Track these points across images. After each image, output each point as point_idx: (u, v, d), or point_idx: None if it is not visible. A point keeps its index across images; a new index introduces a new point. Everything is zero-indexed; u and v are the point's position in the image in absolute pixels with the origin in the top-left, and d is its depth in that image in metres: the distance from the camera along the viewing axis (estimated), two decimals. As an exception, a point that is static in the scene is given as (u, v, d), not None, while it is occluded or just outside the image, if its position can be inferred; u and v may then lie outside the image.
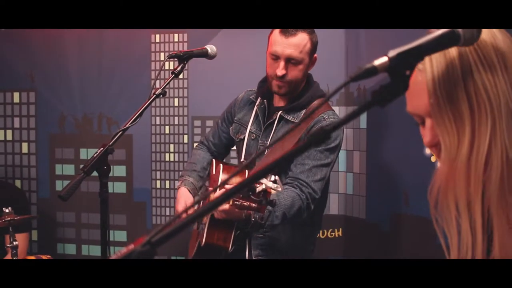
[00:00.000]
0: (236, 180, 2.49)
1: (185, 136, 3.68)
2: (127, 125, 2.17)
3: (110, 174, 3.70)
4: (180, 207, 2.61)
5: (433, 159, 2.87)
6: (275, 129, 2.55)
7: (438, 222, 1.14)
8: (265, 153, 2.55)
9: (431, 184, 1.17)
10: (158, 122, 3.70)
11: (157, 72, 3.65)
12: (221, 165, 2.58)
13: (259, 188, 1.99)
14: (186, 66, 3.54)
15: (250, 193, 1.99)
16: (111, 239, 3.80)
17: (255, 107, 2.66)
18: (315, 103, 2.55)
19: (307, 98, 2.55)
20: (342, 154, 3.40)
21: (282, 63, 2.45)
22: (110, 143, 2.10)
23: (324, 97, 2.64)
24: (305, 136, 2.47)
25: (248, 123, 2.66)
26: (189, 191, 2.68)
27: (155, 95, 2.27)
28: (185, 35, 3.65)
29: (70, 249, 3.93)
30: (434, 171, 1.16)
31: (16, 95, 3.96)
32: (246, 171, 2.53)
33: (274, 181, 2.01)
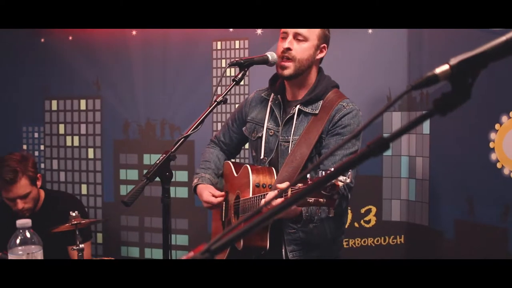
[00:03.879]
0: (265, 179, 2.51)
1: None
2: (189, 132, 2.19)
3: (173, 180, 3.81)
4: (206, 196, 2.62)
5: (499, 165, 2.79)
6: (295, 123, 2.54)
7: None
8: (289, 149, 2.52)
9: None
10: (219, 128, 3.74)
11: (218, 79, 3.69)
12: (248, 166, 2.56)
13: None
14: (247, 73, 3.62)
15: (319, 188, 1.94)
16: (173, 243, 3.87)
17: (269, 103, 2.66)
18: (331, 93, 2.56)
19: (322, 89, 2.56)
20: (404, 160, 3.35)
21: (289, 37, 2.50)
22: (172, 150, 2.13)
23: (337, 87, 2.63)
24: (328, 126, 2.48)
25: (263, 120, 2.66)
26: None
27: (216, 102, 2.29)
28: (246, 41, 3.68)
29: (133, 252, 4.02)
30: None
31: (82, 102, 4.09)
32: (273, 168, 2.55)
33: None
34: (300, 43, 2.50)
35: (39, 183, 3.39)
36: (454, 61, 0.96)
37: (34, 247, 1.74)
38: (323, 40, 2.55)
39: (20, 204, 3.25)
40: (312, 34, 2.51)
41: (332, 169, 1.02)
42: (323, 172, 1.93)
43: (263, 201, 2.32)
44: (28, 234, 1.67)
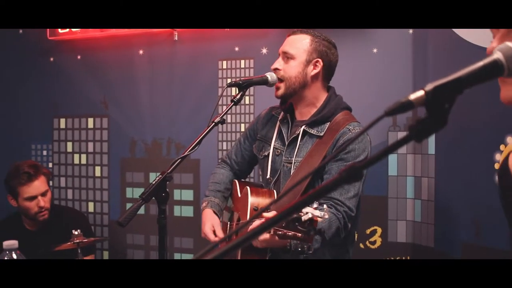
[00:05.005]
0: (264, 202, 2.45)
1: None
2: (186, 153, 2.19)
3: (178, 198, 3.81)
4: (207, 229, 2.54)
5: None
6: (299, 144, 2.49)
7: None
8: (291, 171, 2.47)
9: None
10: (224, 147, 3.74)
11: (223, 98, 3.69)
12: (248, 187, 2.51)
13: (305, 217, 1.90)
14: (252, 92, 3.62)
15: (296, 223, 1.90)
16: (178, 262, 3.86)
17: (278, 122, 2.62)
18: (340, 115, 2.50)
19: (330, 110, 2.49)
20: (410, 181, 3.32)
21: (279, 58, 2.53)
22: (169, 171, 2.13)
23: (348, 109, 2.56)
24: (332, 150, 2.41)
25: (271, 139, 2.61)
26: (215, 212, 2.63)
27: (213, 123, 2.29)
28: (252, 61, 3.68)
29: (139, 271, 4.01)
30: None
31: (90, 121, 4.12)
32: (275, 191, 2.51)
33: (319, 209, 1.93)
34: (288, 62, 2.49)
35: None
36: (429, 87, 0.95)
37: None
38: (315, 55, 2.49)
39: (42, 201, 3.30)
40: (300, 50, 2.48)
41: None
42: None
43: (249, 228, 2.28)
44: (14, 256, 1.67)
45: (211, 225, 2.55)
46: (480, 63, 0.96)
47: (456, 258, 2.97)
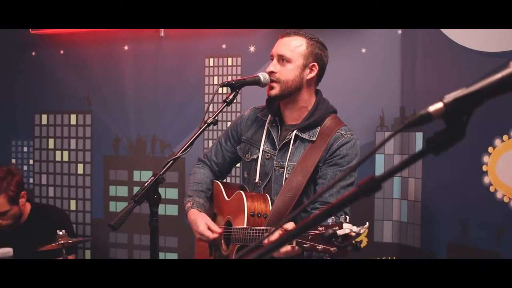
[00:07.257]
0: (260, 207, 2.43)
1: (237, 160, 3.68)
2: (178, 155, 2.16)
3: (163, 197, 3.78)
4: (202, 228, 2.48)
5: (491, 189, 2.77)
6: (291, 149, 2.48)
7: None
8: (284, 176, 2.46)
9: None
10: (210, 146, 3.70)
11: (210, 96, 3.66)
12: (242, 192, 2.48)
13: (341, 232, 1.84)
14: (240, 90, 3.59)
15: (333, 239, 1.84)
16: (162, 261, 3.83)
17: (266, 125, 2.60)
18: (329, 119, 2.51)
19: (321, 114, 2.50)
20: (396, 181, 3.32)
21: (274, 60, 2.49)
22: (161, 172, 2.10)
23: (335, 112, 2.58)
24: (326, 155, 2.42)
25: (259, 142, 2.58)
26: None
27: (206, 124, 2.26)
28: (239, 59, 3.65)
29: (122, 270, 3.97)
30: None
31: (73, 117, 4.06)
32: (268, 196, 2.48)
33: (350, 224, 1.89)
34: (285, 65, 2.46)
35: (23, 200, 3.37)
36: (448, 99, 0.93)
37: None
38: (311, 59, 2.48)
39: None
40: (296, 54, 2.46)
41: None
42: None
43: (266, 241, 2.25)
44: (8, 263, 1.64)
45: (205, 223, 2.50)
46: (498, 75, 0.94)
47: (442, 258, 2.99)
